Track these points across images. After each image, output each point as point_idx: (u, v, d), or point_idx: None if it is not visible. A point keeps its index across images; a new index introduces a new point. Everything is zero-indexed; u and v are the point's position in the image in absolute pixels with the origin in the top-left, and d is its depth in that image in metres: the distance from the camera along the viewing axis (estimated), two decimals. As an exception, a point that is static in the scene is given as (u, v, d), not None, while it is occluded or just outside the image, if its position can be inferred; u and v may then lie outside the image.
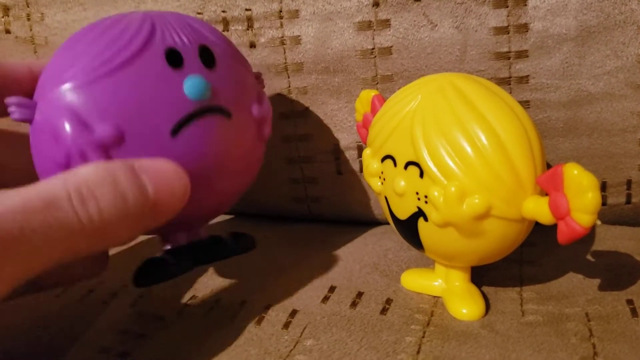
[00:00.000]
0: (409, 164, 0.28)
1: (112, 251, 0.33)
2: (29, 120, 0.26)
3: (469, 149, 0.26)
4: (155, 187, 0.25)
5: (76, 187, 0.23)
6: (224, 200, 0.32)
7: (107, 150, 0.26)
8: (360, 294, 0.33)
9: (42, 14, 0.41)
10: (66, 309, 0.34)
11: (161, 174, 0.26)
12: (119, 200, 0.24)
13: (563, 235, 0.25)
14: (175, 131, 0.27)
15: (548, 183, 0.25)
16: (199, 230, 0.32)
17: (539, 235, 0.33)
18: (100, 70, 0.26)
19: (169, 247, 0.31)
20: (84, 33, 0.27)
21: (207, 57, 0.29)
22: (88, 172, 0.24)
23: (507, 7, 0.35)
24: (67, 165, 0.26)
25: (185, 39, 0.29)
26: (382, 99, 0.33)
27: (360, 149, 0.40)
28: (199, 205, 0.30)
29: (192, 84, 0.28)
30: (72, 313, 0.33)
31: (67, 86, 0.26)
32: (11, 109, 0.26)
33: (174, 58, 0.28)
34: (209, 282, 0.35)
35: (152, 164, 0.25)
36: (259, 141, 0.32)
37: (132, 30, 0.27)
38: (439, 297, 0.32)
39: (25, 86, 0.30)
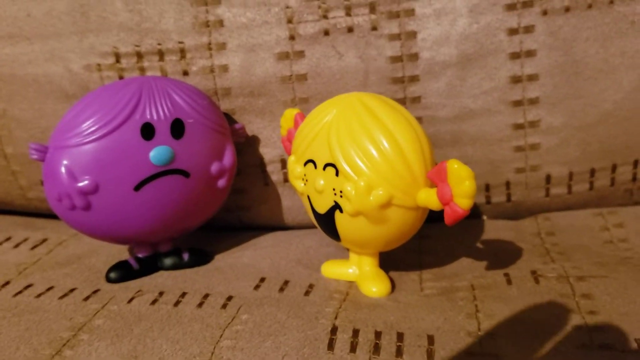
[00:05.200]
0: (327, 165, 0.33)
1: (88, 256, 0.42)
2: (42, 161, 0.36)
3: (374, 152, 0.31)
4: None
5: None
6: (181, 232, 0.41)
7: (86, 195, 0.35)
8: (286, 282, 0.38)
9: (-11, 47, 0.43)
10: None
11: None
12: None
13: (449, 217, 0.30)
14: (138, 187, 0.36)
15: (435, 176, 0.31)
16: (162, 244, 0.41)
17: (434, 229, 0.39)
18: (89, 138, 0.35)
19: (138, 255, 0.41)
20: (92, 98, 0.36)
21: (177, 129, 0.37)
22: None
23: (401, 39, 0.40)
24: (59, 199, 0.36)
25: (162, 114, 0.37)
26: (303, 116, 0.37)
27: (283, 162, 0.44)
28: (160, 236, 0.40)
29: (157, 154, 0.36)
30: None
31: (66, 146, 0.35)
32: (31, 151, 0.35)
33: (147, 131, 0.36)
34: (152, 280, 0.39)
35: None
36: (214, 191, 0.40)
37: (121, 105, 0.36)
38: (353, 281, 0.37)
39: None
